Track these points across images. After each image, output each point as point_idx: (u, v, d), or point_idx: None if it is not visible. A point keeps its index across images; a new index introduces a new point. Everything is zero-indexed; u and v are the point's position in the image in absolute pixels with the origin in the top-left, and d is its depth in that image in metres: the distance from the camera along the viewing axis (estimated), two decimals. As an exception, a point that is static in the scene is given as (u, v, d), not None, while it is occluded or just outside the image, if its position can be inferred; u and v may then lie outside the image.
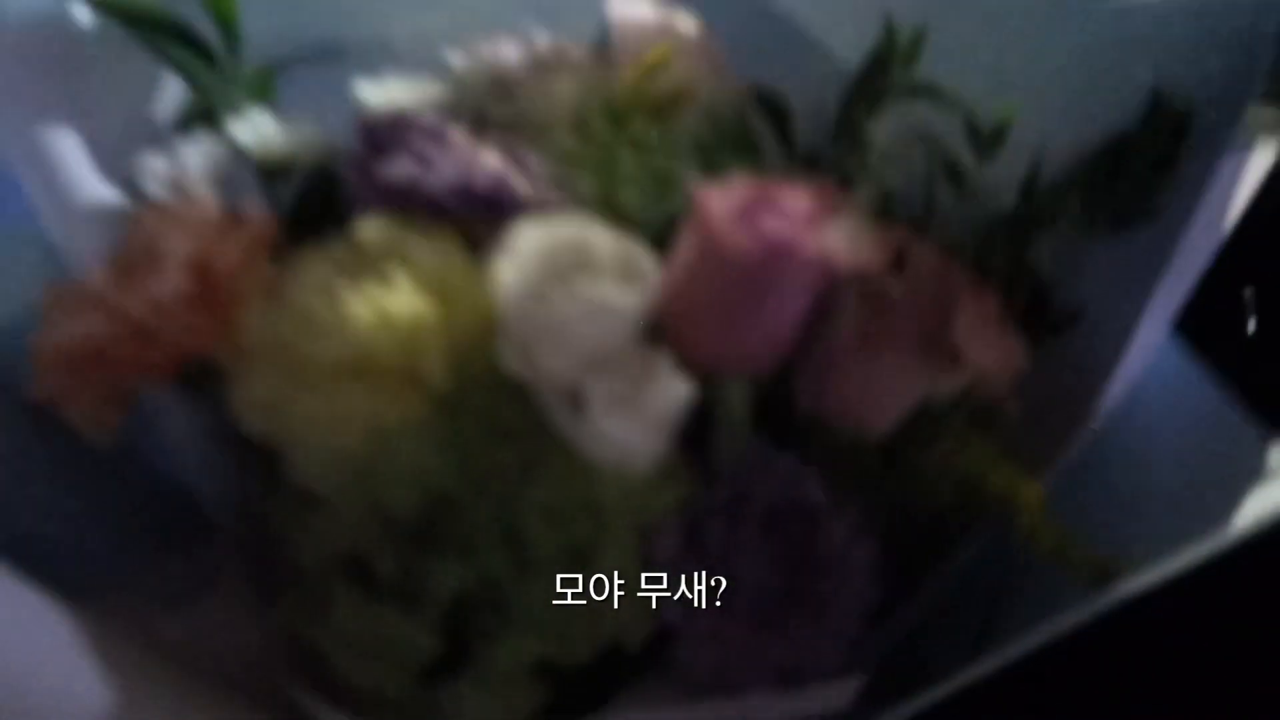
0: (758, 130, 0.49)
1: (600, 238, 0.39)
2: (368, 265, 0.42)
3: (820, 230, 0.41)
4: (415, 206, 0.44)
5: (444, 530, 0.40)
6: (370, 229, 0.42)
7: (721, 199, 0.38)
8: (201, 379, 0.43)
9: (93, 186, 0.46)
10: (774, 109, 0.52)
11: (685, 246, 0.40)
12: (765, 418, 0.45)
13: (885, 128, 0.51)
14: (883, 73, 0.52)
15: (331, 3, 0.49)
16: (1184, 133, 0.50)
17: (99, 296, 0.42)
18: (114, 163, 0.46)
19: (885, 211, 0.49)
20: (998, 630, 0.49)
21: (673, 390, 0.38)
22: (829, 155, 0.52)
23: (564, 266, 0.38)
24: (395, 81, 0.46)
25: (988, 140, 0.51)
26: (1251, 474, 0.46)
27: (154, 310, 0.41)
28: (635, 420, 0.38)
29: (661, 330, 0.40)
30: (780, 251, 0.37)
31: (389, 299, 0.40)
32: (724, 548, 0.47)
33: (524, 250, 0.38)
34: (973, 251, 0.51)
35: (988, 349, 0.49)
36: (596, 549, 0.41)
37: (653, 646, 0.46)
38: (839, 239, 0.42)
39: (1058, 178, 0.52)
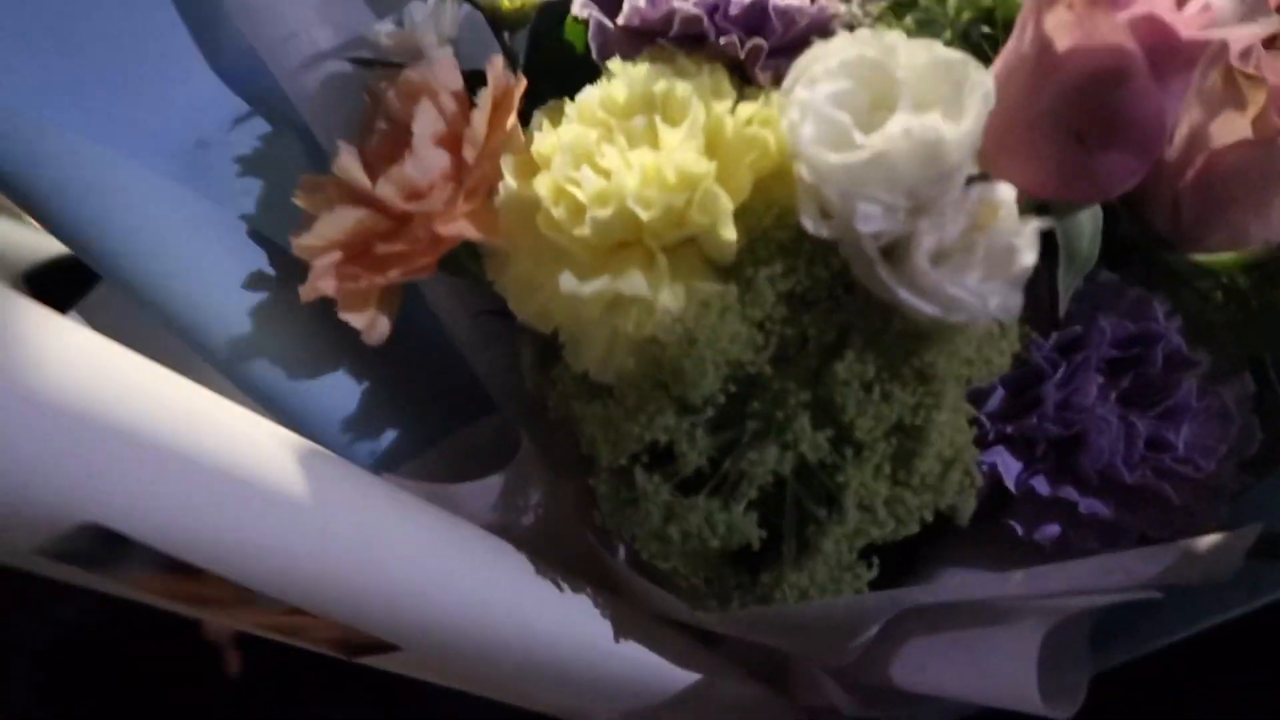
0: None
1: (911, 54, 0.31)
2: (629, 121, 0.36)
3: (1185, 5, 0.32)
4: (668, 42, 0.38)
5: (752, 414, 0.36)
6: (624, 77, 0.36)
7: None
8: (466, 265, 0.40)
9: (329, 56, 0.43)
10: None
11: (1018, 50, 0.32)
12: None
13: None
14: None
15: None
16: None
17: (356, 187, 0.39)
18: (347, 33, 0.43)
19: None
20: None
21: (1019, 230, 0.31)
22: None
23: (871, 96, 0.31)
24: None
25: None
26: None
27: (411, 197, 0.38)
28: (974, 271, 0.31)
29: (991, 158, 0.33)
30: (1157, 40, 0.28)
31: (659, 159, 0.34)
32: (1065, 401, 0.40)
33: (818, 82, 0.32)
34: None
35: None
36: (924, 421, 0.35)
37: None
38: (1206, 12, 0.33)
39: None
